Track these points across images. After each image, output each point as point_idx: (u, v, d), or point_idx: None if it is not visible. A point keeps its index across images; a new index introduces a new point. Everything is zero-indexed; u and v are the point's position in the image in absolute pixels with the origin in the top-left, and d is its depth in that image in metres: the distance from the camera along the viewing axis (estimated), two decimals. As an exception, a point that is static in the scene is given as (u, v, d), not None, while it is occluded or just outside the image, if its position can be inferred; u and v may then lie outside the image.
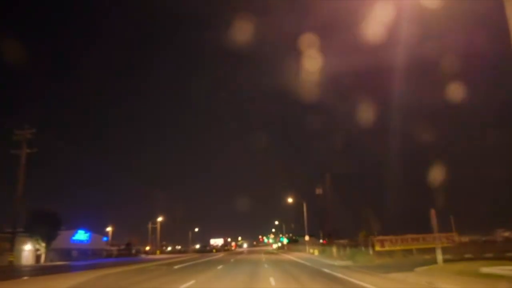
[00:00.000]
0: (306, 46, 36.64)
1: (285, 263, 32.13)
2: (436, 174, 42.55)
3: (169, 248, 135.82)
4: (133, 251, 78.86)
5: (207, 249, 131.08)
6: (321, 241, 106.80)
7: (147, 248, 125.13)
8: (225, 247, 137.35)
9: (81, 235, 61.63)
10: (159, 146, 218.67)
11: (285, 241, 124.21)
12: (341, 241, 59.66)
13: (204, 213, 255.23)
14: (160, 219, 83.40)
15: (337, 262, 28.55)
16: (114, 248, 74.15)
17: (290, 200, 57.14)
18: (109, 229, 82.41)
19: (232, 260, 40.79)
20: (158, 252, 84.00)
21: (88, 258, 59.16)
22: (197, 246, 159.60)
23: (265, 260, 38.53)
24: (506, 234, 41.35)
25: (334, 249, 39.06)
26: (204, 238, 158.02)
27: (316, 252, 46.71)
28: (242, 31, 37.50)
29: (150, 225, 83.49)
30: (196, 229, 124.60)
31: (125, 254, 76.06)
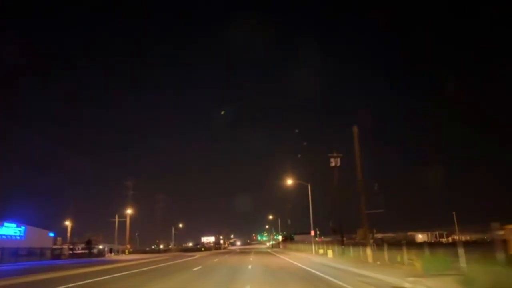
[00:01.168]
0: None
1: (290, 278, 15.62)
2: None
3: (161, 246, 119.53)
4: (95, 250, 61.66)
5: (197, 247, 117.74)
6: (316, 238, 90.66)
7: (128, 246, 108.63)
8: (215, 245, 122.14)
9: (9, 229, 44.64)
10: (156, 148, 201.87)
11: (280, 238, 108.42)
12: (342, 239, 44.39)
13: (200, 210, 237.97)
14: (129, 211, 66.27)
15: (420, 286, 11.86)
16: (65, 247, 57.02)
17: (289, 182, 40.47)
18: (67, 223, 65.39)
19: (196, 268, 24.01)
20: (126, 251, 66.88)
21: (18, 260, 42.19)
22: (190, 244, 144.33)
23: (253, 268, 22.02)
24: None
25: (369, 250, 22.50)
26: (198, 236, 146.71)
27: (330, 254, 30.13)
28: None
29: (116, 219, 66.13)
30: (180, 225, 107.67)
31: (82, 254, 59.21)
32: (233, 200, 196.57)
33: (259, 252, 60.05)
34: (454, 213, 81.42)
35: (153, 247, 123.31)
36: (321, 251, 34.44)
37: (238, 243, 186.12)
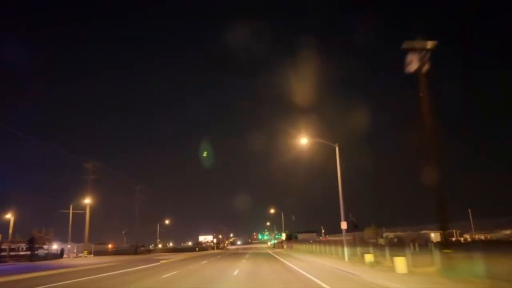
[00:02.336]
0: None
1: None
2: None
3: (160, 246, 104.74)
4: (40, 252, 44.88)
5: (193, 246, 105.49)
6: (321, 238, 72.94)
7: (110, 246, 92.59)
8: (213, 245, 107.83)
9: None
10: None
11: (283, 236, 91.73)
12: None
13: (200, 210, 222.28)
14: (87, 201, 49.14)
15: None
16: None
17: (304, 141, 23.64)
18: (8, 216, 48.78)
19: None
20: (85, 252, 49.84)
21: None
22: (190, 243, 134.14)
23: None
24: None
25: None
26: (197, 235, 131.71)
27: (402, 266, 13.12)
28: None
29: (71, 210, 48.66)
30: (167, 221, 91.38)
31: (22, 256, 42.88)
32: (234, 199, 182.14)
33: (256, 255, 43.28)
34: (470, 210, 66.23)
35: (150, 246, 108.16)
36: (369, 257, 17.45)
37: (239, 242, 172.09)
